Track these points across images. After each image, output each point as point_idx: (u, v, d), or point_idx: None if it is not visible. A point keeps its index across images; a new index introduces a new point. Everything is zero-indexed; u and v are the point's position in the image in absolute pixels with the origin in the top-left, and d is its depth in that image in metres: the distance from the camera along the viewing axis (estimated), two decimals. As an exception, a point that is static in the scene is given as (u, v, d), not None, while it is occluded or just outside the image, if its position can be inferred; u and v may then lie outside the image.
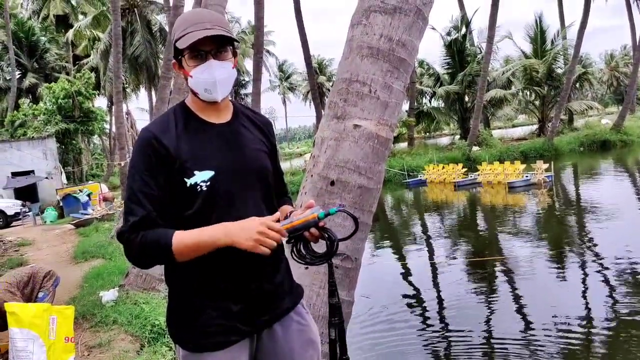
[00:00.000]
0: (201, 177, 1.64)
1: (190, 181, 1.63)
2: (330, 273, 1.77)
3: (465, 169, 22.79)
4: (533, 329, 6.28)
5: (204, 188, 1.63)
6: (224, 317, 1.66)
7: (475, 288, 8.12)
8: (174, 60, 1.76)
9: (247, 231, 1.54)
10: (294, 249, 1.72)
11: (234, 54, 1.75)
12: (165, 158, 1.62)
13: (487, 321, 6.80)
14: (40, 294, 5.11)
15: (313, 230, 1.65)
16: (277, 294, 1.78)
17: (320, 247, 1.69)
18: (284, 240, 1.68)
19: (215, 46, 1.67)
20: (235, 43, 1.76)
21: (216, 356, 1.66)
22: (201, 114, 1.75)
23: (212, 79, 1.67)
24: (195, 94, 1.73)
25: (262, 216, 1.72)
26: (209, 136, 1.72)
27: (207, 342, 1.66)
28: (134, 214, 1.59)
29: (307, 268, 2.84)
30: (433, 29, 33.85)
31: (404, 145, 34.40)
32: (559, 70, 33.99)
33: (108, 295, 6.28)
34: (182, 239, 1.57)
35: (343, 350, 1.79)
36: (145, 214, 1.59)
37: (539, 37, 34.69)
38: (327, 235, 1.66)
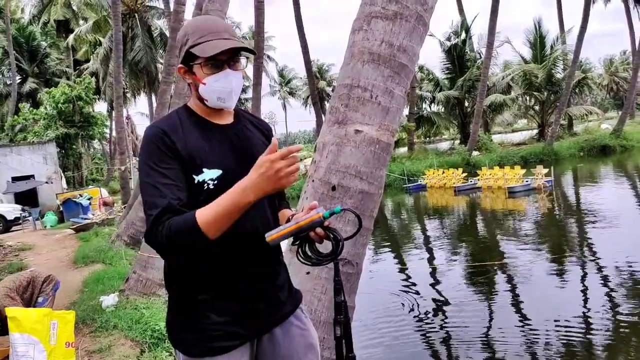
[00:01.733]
0: (209, 175, 1.63)
1: (198, 178, 1.62)
2: (335, 271, 1.78)
3: (465, 174, 22.79)
4: (533, 333, 6.27)
5: (211, 187, 1.63)
6: (225, 322, 1.66)
7: (475, 292, 8.11)
8: (180, 65, 1.75)
9: (268, 178, 1.46)
10: (300, 250, 1.72)
11: (243, 65, 1.78)
12: (175, 152, 1.61)
13: (487, 324, 6.79)
14: (40, 299, 5.10)
15: (318, 230, 1.65)
16: (277, 298, 1.78)
17: (323, 247, 1.71)
18: (289, 242, 1.69)
19: (231, 56, 1.69)
20: (251, 55, 1.78)
21: (217, 361, 1.66)
22: (205, 116, 1.76)
23: (229, 89, 1.68)
24: (203, 100, 1.73)
25: (266, 217, 1.75)
26: (215, 136, 1.73)
27: (208, 347, 1.66)
28: (155, 205, 1.52)
29: (308, 273, 2.84)
30: (431, 35, 33.92)
31: (404, 150, 34.44)
32: (559, 75, 34.07)
33: (108, 300, 6.26)
34: (206, 215, 1.48)
35: (349, 348, 1.80)
36: (167, 203, 1.52)
37: (538, 42, 34.81)
38: (332, 235, 1.67)
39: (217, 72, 1.67)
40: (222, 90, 1.68)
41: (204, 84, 1.68)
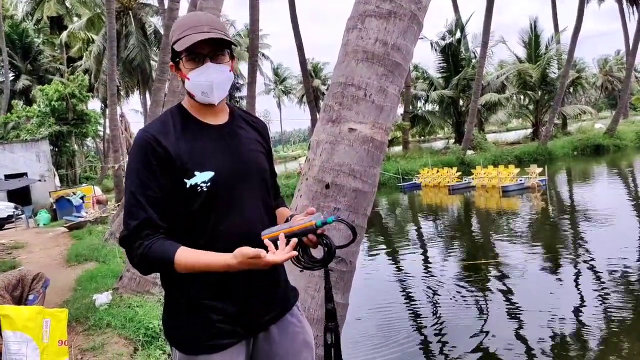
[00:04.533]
0: (202, 178, 1.64)
1: (190, 182, 1.63)
2: (326, 279, 1.79)
3: (459, 173, 22.86)
4: (526, 329, 6.30)
5: (204, 189, 1.63)
6: (221, 320, 1.67)
7: (468, 290, 8.13)
8: (171, 63, 1.77)
9: (256, 267, 1.55)
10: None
11: (231, 57, 1.76)
12: (165, 159, 1.62)
13: (480, 320, 6.80)
14: (30, 297, 5.08)
15: (311, 236, 1.66)
16: (273, 296, 1.79)
17: (318, 252, 1.72)
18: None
19: (212, 49, 1.68)
20: (233, 46, 1.76)
21: (213, 359, 1.67)
22: (199, 116, 1.76)
23: (209, 82, 1.67)
24: (192, 96, 1.73)
25: (261, 216, 1.75)
26: (207, 137, 1.73)
27: (204, 344, 1.66)
28: (135, 217, 1.59)
29: (301, 271, 2.84)
30: (421, 38, 33.84)
31: (398, 148, 34.50)
32: (553, 75, 34.19)
33: (101, 299, 6.24)
34: (186, 258, 1.57)
35: (338, 355, 1.80)
36: (146, 217, 1.59)
37: (533, 41, 34.90)
38: (324, 242, 1.68)
39: (198, 67, 1.67)
40: (203, 84, 1.68)
41: (188, 79, 1.69)
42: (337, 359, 1.80)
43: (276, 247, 1.58)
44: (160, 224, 1.61)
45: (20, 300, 4.92)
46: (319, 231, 1.65)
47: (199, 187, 1.63)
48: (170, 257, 1.56)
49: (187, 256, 1.56)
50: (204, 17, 1.75)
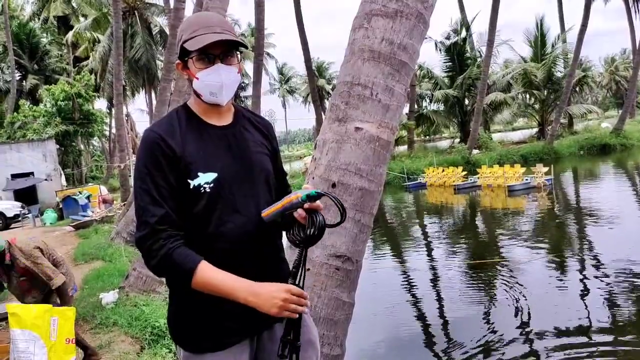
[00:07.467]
0: (205, 179, 1.64)
1: (194, 182, 1.63)
2: (298, 257, 1.67)
3: (465, 172, 22.80)
4: (532, 331, 6.29)
5: (207, 190, 1.64)
6: (226, 318, 1.67)
7: (473, 290, 8.12)
8: (178, 61, 1.77)
9: (272, 298, 1.55)
10: (291, 232, 1.71)
11: (239, 59, 1.76)
12: (172, 159, 1.63)
13: (485, 319, 6.80)
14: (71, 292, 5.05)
15: (300, 211, 1.64)
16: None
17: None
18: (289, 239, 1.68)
19: (223, 50, 1.68)
20: (243, 49, 1.76)
21: (217, 356, 1.67)
22: (204, 116, 1.76)
23: (219, 83, 1.68)
24: (199, 96, 1.73)
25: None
26: (212, 138, 1.73)
27: (209, 343, 1.67)
28: (153, 214, 1.58)
29: (308, 269, 2.85)
30: (425, 38, 33.63)
31: (403, 148, 34.45)
32: (559, 74, 34.03)
33: (108, 297, 6.28)
34: (207, 276, 1.57)
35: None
36: (164, 213, 1.58)
37: (539, 40, 34.76)
38: (313, 218, 1.64)
39: (209, 67, 1.68)
40: (213, 84, 1.68)
41: (197, 78, 1.69)
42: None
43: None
44: (178, 220, 1.60)
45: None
46: (306, 206, 1.62)
47: (202, 188, 1.64)
48: (192, 267, 1.56)
49: (210, 273, 1.57)
50: (215, 17, 1.76)
